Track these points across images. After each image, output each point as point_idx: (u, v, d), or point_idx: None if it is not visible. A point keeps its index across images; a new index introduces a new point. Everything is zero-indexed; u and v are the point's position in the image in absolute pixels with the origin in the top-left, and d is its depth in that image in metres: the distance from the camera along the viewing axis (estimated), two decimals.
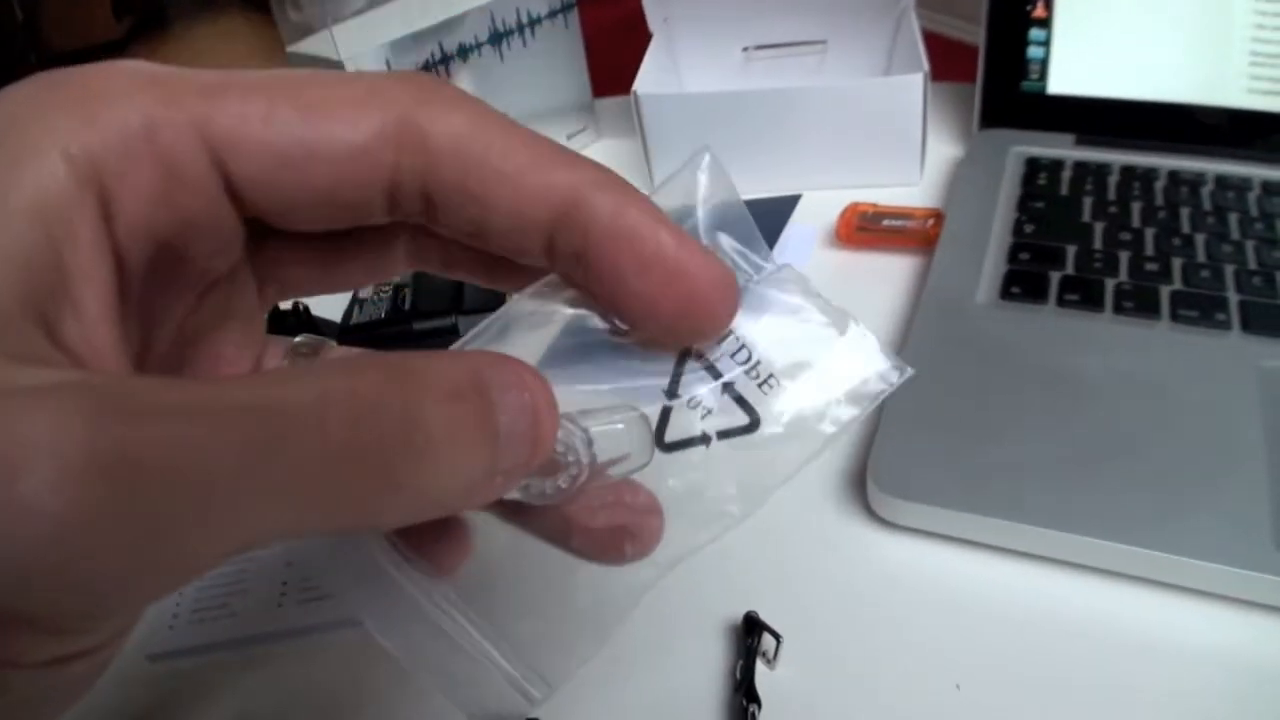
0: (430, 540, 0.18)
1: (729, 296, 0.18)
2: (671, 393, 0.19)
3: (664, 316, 0.18)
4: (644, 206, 0.17)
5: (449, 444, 0.15)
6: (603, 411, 0.18)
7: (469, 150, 0.16)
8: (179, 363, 0.19)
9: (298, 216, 0.17)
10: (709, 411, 0.19)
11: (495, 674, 0.18)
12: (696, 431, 0.19)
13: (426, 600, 0.18)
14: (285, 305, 0.46)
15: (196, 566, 0.13)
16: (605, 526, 0.19)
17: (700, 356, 0.19)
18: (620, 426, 0.18)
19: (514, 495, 0.17)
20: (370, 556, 0.18)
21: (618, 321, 0.19)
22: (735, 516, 0.19)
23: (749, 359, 0.19)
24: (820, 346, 0.19)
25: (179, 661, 0.34)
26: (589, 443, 0.17)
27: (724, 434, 0.19)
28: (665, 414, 0.19)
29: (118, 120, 0.15)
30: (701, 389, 0.19)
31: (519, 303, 0.19)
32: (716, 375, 0.19)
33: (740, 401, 0.19)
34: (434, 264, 0.21)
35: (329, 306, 0.47)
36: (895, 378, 0.19)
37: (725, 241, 0.19)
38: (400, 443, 0.14)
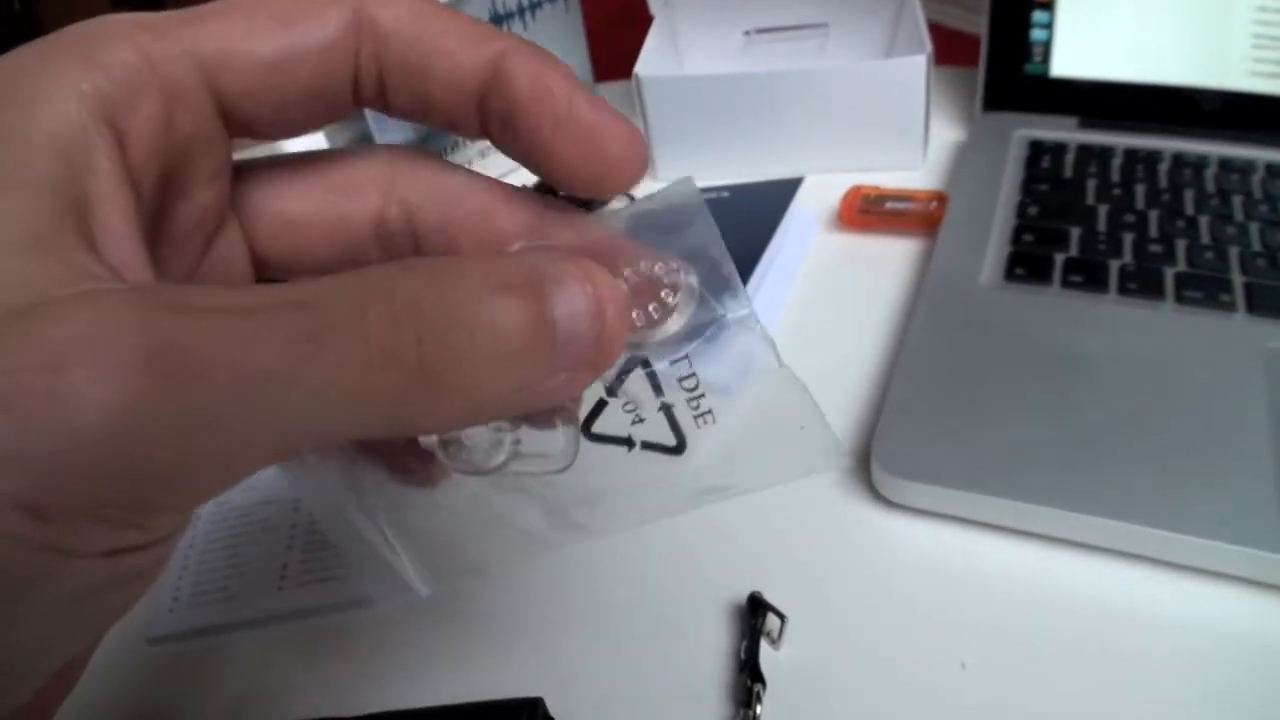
0: (412, 457, 0.19)
1: (637, 152, 0.19)
2: (611, 391, 0.19)
3: (578, 171, 0.19)
4: (561, 71, 0.18)
5: (495, 341, 0.14)
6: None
7: (412, 31, 0.18)
8: None
9: (286, 119, 0.18)
10: (640, 420, 0.19)
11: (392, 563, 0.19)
12: (624, 433, 0.19)
13: (349, 496, 0.19)
14: None
15: (243, 463, 0.14)
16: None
17: (647, 365, 0.19)
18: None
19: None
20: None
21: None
22: (634, 523, 0.20)
23: (695, 387, 0.19)
24: (766, 404, 0.19)
25: (179, 644, 0.34)
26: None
27: (649, 445, 0.19)
28: (600, 405, 0.19)
29: (118, 58, 0.16)
30: (640, 396, 0.19)
31: None
32: (659, 390, 0.19)
33: (672, 424, 0.19)
34: None
35: None
36: (826, 464, 0.19)
37: (695, 278, 0.19)
38: (442, 342, 0.14)
